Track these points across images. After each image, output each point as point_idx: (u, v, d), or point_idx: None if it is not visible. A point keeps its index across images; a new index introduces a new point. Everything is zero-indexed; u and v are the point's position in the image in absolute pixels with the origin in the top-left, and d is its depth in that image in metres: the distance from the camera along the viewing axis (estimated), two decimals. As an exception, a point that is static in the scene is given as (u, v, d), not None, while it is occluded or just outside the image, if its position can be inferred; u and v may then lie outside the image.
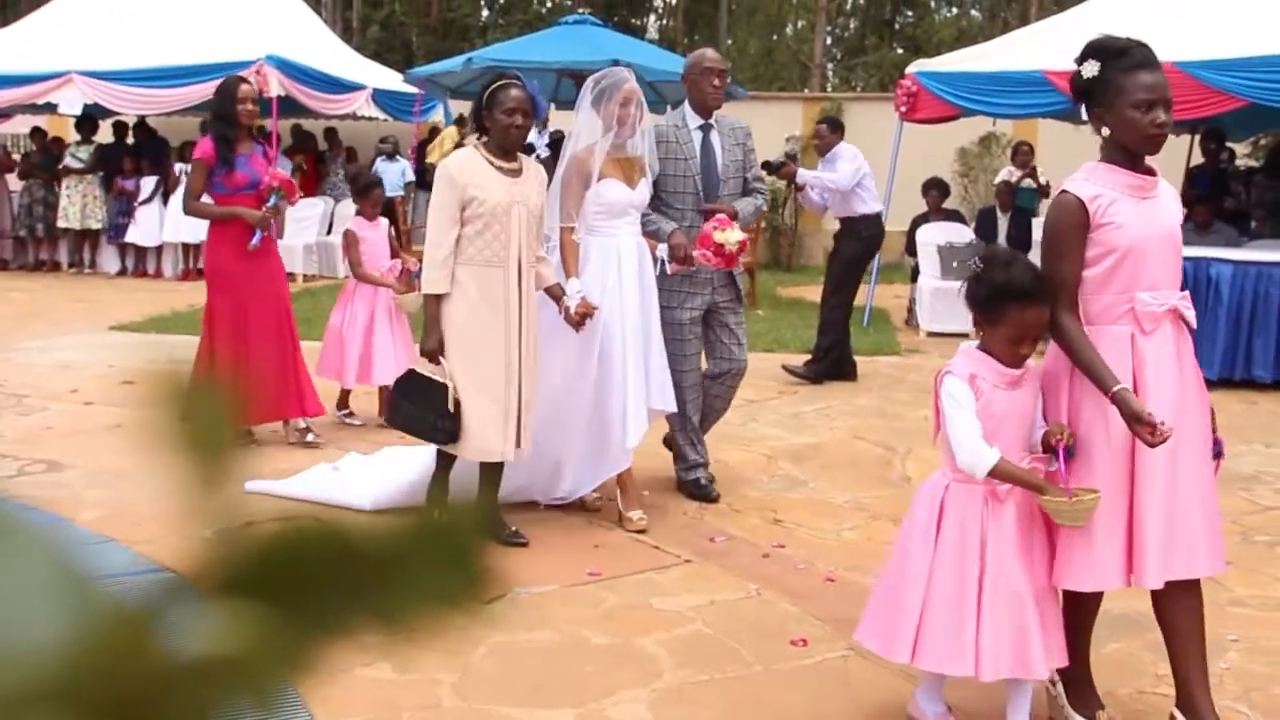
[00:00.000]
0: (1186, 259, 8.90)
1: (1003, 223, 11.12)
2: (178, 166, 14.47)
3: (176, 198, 14.50)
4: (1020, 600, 3.10)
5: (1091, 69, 3.16)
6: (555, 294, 4.85)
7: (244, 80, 6.40)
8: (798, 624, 4.11)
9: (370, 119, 16.07)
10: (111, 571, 4.38)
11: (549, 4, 31.55)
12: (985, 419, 3.08)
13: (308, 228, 15.05)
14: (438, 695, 3.56)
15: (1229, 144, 13.66)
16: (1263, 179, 12.09)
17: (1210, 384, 8.82)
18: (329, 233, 15.23)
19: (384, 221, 7.28)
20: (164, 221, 14.65)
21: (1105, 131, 3.23)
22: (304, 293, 13.30)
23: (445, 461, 4.91)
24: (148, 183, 14.71)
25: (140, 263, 15.10)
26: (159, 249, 14.97)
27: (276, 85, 13.02)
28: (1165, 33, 9.86)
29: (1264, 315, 8.78)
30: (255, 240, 6.24)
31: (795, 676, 3.74)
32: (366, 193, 7.25)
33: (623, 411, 4.98)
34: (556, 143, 13.77)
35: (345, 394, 7.20)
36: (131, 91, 13.59)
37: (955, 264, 10.55)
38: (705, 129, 5.46)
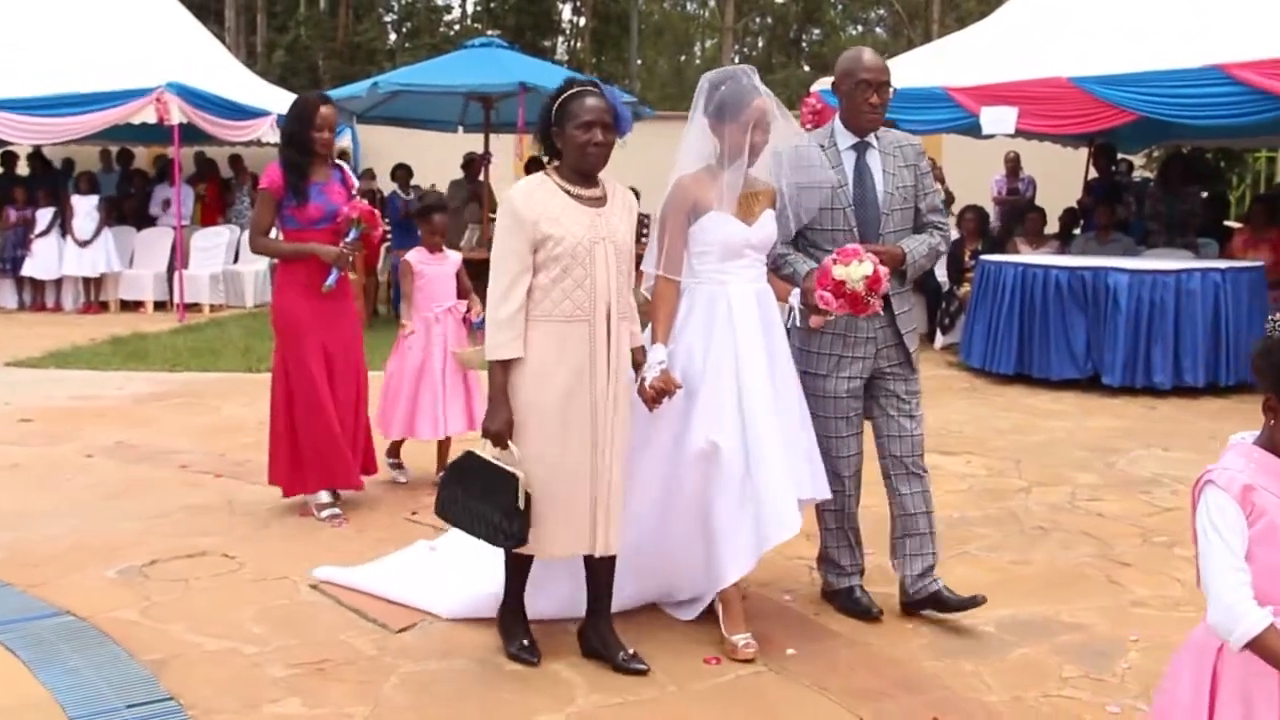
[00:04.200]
0: (1085, 269, 9.24)
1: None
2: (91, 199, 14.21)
3: (84, 229, 14.20)
4: None
5: None
6: (636, 360, 3.94)
7: (325, 100, 5.50)
8: (712, 643, 4.12)
9: (276, 145, 15.87)
10: (6, 617, 4.26)
11: (456, 27, 31.47)
12: (1267, 551, 2.22)
13: (213, 257, 14.84)
14: (349, 729, 3.52)
15: (1123, 156, 14.07)
16: (1157, 190, 12.44)
17: (1110, 390, 9.10)
18: (235, 261, 15.03)
19: (453, 256, 6.24)
20: (63, 254, 14.31)
21: None
22: (210, 323, 13.11)
23: (519, 564, 4.00)
24: (44, 214, 14.37)
25: (39, 296, 14.74)
26: (58, 282, 14.62)
27: (178, 113, 12.81)
28: (1059, 49, 10.16)
29: (1161, 323, 9.01)
30: (331, 280, 5.43)
31: (709, 695, 3.74)
32: (428, 217, 6.20)
33: (740, 505, 3.95)
34: (469, 164, 13.77)
35: (396, 445, 6.30)
36: (26, 121, 13.26)
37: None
38: (861, 148, 4.26)
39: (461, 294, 6.19)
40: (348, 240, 5.46)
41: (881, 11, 34.56)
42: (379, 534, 5.35)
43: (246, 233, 14.38)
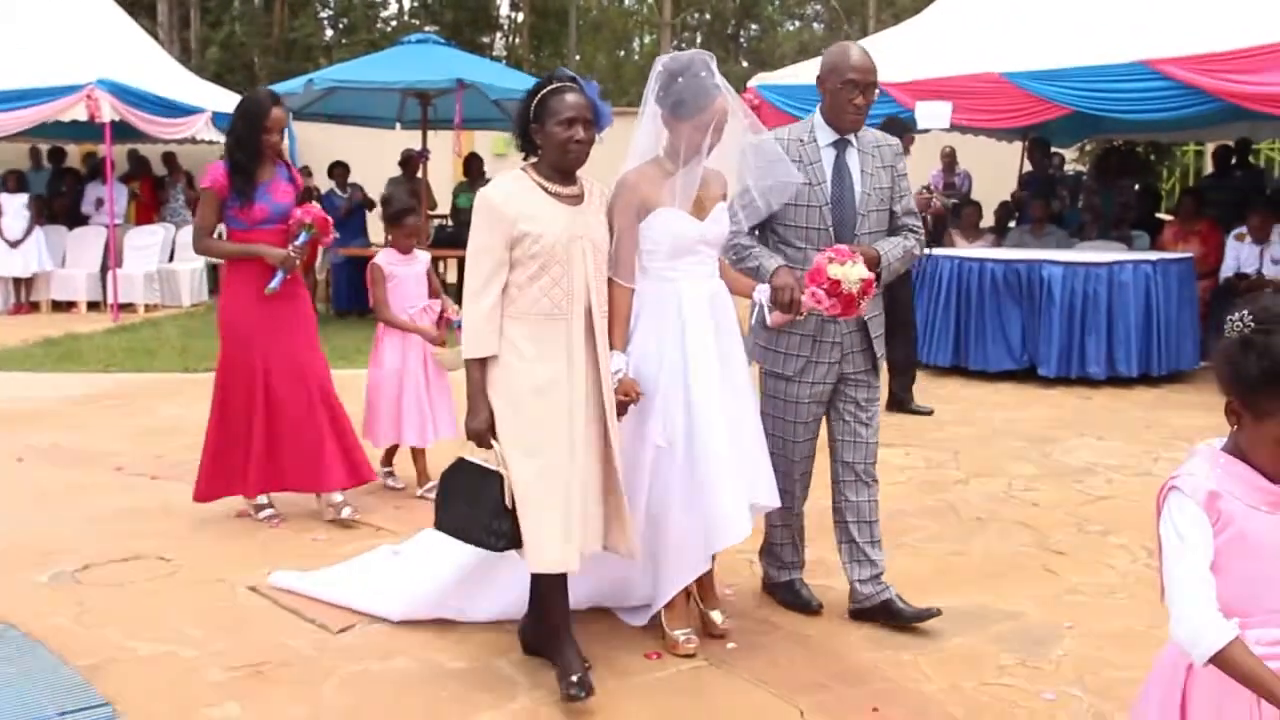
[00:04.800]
0: (1020, 261, 9.37)
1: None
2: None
3: (13, 228, 13.91)
4: None
5: None
6: None
7: (276, 101, 5.31)
8: (653, 638, 4.12)
9: (211, 143, 15.68)
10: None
11: (393, 23, 31.22)
12: (1236, 560, 2.12)
13: (148, 256, 14.61)
14: (288, 731, 3.49)
15: (1056, 150, 14.27)
16: (1090, 183, 12.63)
17: (1046, 381, 9.21)
18: (170, 260, 14.82)
19: (422, 256, 6.10)
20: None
21: None
22: (145, 323, 12.93)
23: (542, 581, 3.79)
24: (-32, 213, 14.07)
25: (-36, 297, 14.45)
26: (-14, 282, 14.34)
27: (109, 110, 12.59)
28: (993, 44, 10.29)
29: (1094, 314, 9.17)
30: (275, 283, 5.27)
31: (650, 690, 3.75)
32: (399, 220, 6.02)
33: (687, 510, 3.89)
34: (407, 160, 13.67)
35: (389, 452, 6.20)
36: (-49, 118, 12.98)
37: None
38: (840, 145, 4.15)
39: (433, 294, 6.06)
40: (296, 244, 5.32)
41: (819, 7, 34.77)
42: (318, 534, 5.31)
43: (181, 231, 14.36)
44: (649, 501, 3.93)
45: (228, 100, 15.92)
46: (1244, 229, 10.39)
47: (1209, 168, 13.87)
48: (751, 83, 11.87)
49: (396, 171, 13.86)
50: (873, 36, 14.90)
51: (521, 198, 3.64)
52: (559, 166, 3.69)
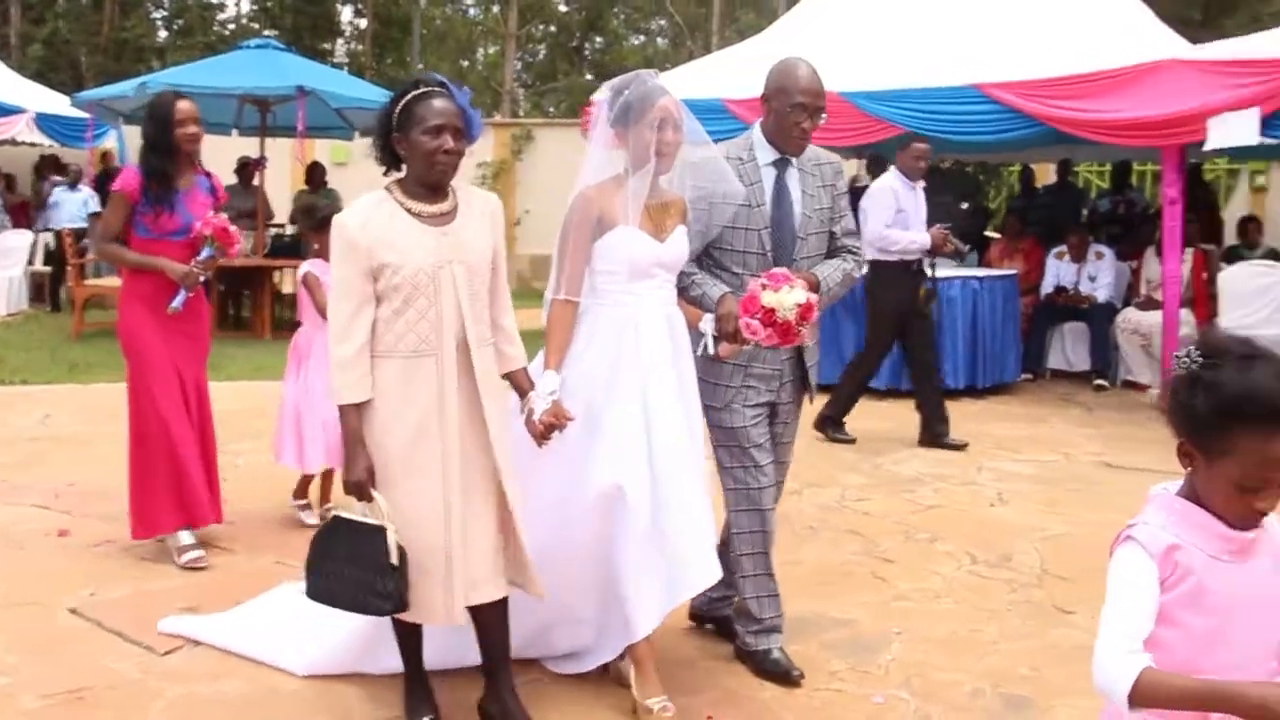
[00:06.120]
0: (864, 279, 9.60)
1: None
2: None
3: None
4: None
5: None
6: (520, 386, 3.54)
7: (180, 95, 5.06)
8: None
9: (33, 144, 15.06)
10: None
11: (231, 26, 30.45)
12: (1191, 615, 1.98)
13: (-38, 261, 13.94)
14: (110, 758, 3.37)
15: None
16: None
17: (877, 393, 9.43)
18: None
19: None
20: None
21: None
22: (-39, 332, 12.31)
23: (405, 629, 3.55)
24: None
25: None
26: None
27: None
28: (832, 64, 10.48)
29: (942, 327, 9.47)
30: (177, 302, 4.94)
31: (489, 704, 3.73)
32: (326, 228, 5.81)
33: (647, 554, 3.55)
34: (243, 168, 13.32)
35: (305, 481, 5.73)
36: None
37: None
38: (780, 164, 3.97)
39: None
40: (199, 259, 4.98)
41: (663, 22, 35.16)
42: (143, 552, 5.12)
43: (1, 236, 13.73)
44: (594, 540, 3.60)
45: (52, 101, 15.32)
46: (1064, 247, 10.88)
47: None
48: (596, 95, 11.93)
49: (233, 179, 13.51)
50: (717, 53, 15.14)
51: (380, 224, 3.30)
52: (426, 180, 3.35)
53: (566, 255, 3.63)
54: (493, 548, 3.43)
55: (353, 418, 3.30)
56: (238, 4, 31.19)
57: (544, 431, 3.43)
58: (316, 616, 3.75)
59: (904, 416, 8.30)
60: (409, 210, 3.34)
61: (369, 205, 3.36)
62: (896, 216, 7.71)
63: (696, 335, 3.80)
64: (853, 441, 7.84)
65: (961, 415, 8.81)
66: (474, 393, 3.37)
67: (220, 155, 14.56)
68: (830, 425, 7.97)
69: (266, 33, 25.95)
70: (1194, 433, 1.98)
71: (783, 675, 3.96)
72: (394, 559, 3.23)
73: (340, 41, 32.33)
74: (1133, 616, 1.95)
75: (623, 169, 3.68)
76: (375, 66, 29.10)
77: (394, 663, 3.67)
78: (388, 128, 3.35)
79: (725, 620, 4.21)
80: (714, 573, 3.61)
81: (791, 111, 3.91)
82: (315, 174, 13.49)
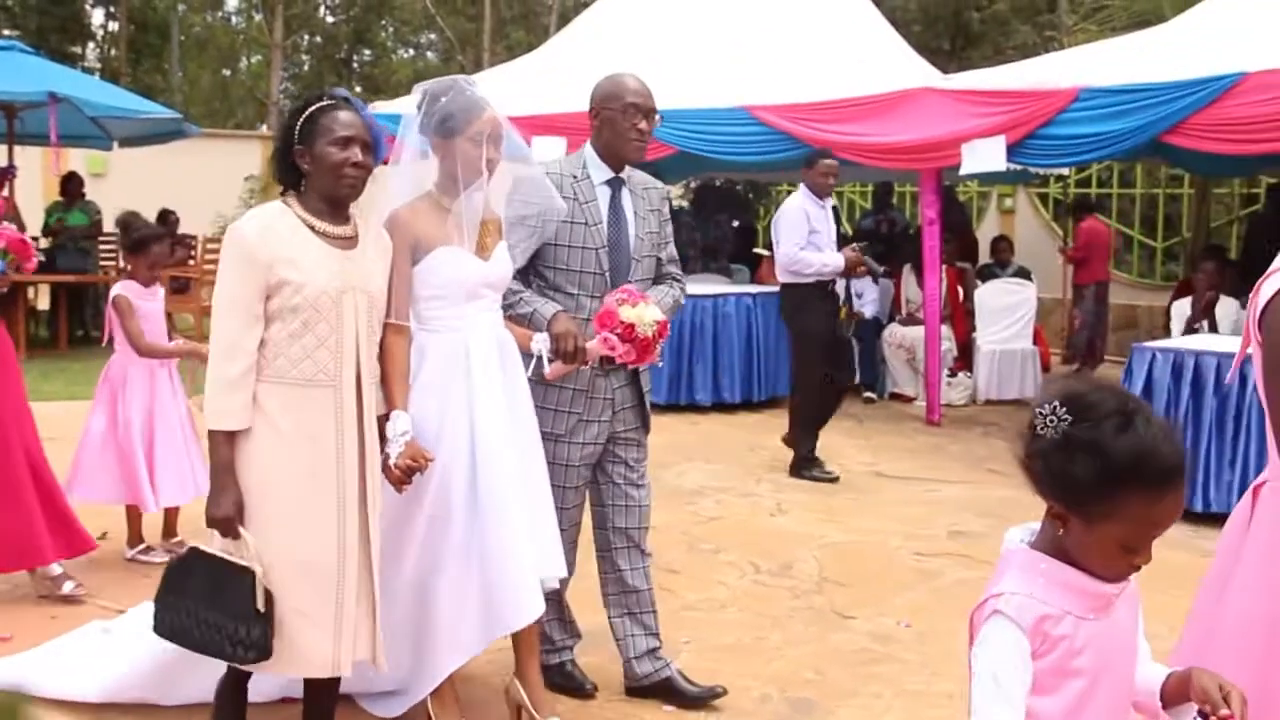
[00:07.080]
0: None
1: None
2: None
3: None
4: None
5: None
6: (381, 432, 3.28)
7: None
8: None
9: None
10: None
11: (-31, 26, 28.57)
12: (1064, 679, 1.88)
13: None
14: None
15: (666, 186, 15.00)
16: (689, 219, 13.35)
17: (656, 407, 9.58)
18: None
19: (161, 290, 5.39)
20: None
21: None
22: None
23: (244, 675, 3.29)
24: None
25: None
26: None
27: None
28: (604, 84, 10.70)
29: (701, 343, 9.74)
30: None
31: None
32: (143, 249, 5.26)
33: (465, 586, 3.40)
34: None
35: (135, 523, 5.35)
36: None
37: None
38: (615, 185, 3.88)
39: (171, 333, 5.44)
40: None
41: (433, 36, 34.88)
42: None
43: None
44: (416, 571, 3.44)
45: None
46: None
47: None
48: (405, 99, 11.77)
49: (-24, 189, 12.69)
50: (488, 70, 15.13)
51: (281, 238, 3.05)
52: (332, 196, 3.12)
53: (390, 283, 3.35)
54: (367, 609, 3.19)
55: (224, 446, 3.03)
56: (-24, 3, 29.31)
57: (401, 476, 3.23)
58: (118, 648, 3.62)
59: (684, 430, 8.50)
60: (312, 228, 3.11)
61: (269, 215, 3.12)
62: (811, 237, 7.38)
63: (527, 357, 3.65)
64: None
65: (739, 428, 9.10)
66: (362, 433, 3.15)
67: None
68: (805, 466, 7.48)
69: (8, 33, 24.47)
70: (1071, 497, 1.83)
71: (576, 688, 4.00)
72: (260, 604, 2.97)
73: (92, 45, 30.76)
74: (1010, 703, 1.83)
75: (433, 186, 3.51)
76: (131, 73, 27.79)
77: (187, 695, 3.51)
78: (289, 141, 3.13)
79: (667, 684, 3.98)
80: (532, 610, 3.41)
81: (627, 112, 3.82)
82: (71, 185, 12.84)
